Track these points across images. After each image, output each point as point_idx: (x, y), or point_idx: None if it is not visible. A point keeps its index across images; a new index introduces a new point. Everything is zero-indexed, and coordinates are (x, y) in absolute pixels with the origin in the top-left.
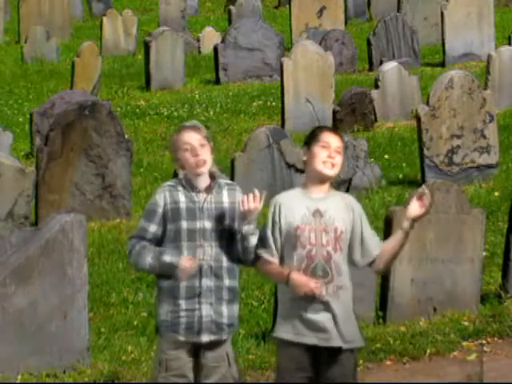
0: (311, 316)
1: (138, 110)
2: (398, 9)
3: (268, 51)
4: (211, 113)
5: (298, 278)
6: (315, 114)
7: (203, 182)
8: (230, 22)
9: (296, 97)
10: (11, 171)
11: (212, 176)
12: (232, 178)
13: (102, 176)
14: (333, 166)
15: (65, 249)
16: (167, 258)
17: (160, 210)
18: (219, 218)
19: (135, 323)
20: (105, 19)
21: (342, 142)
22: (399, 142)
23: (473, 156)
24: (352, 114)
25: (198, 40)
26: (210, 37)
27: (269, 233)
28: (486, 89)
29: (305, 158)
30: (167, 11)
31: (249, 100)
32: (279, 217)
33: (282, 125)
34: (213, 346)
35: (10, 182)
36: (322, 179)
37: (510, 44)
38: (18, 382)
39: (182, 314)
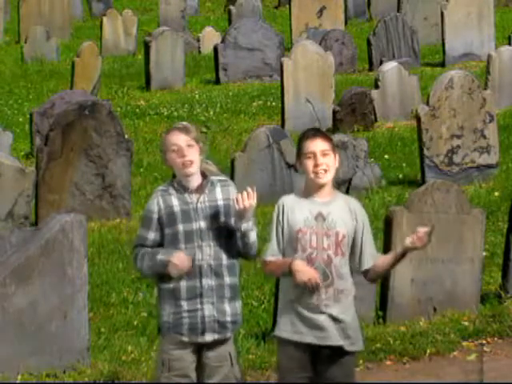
0: (310, 315)
1: (137, 110)
2: (398, 9)
3: (268, 51)
4: (211, 113)
5: (300, 264)
6: (315, 114)
7: (194, 182)
8: (230, 22)
9: (296, 97)
10: (11, 171)
11: (203, 175)
12: (232, 178)
13: (102, 176)
14: (325, 171)
15: (65, 249)
16: (160, 256)
17: (155, 217)
18: (214, 216)
19: (135, 323)
20: (105, 19)
21: (327, 141)
22: (399, 142)
23: (473, 156)
24: (352, 113)
25: (198, 40)
26: (210, 37)
27: (273, 234)
28: (486, 89)
29: (301, 169)
30: (167, 11)
31: (249, 100)
32: (282, 218)
33: (282, 125)
34: (215, 345)
35: (10, 182)
36: (319, 186)
37: (510, 44)
38: (18, 382)
39: (185, 314)
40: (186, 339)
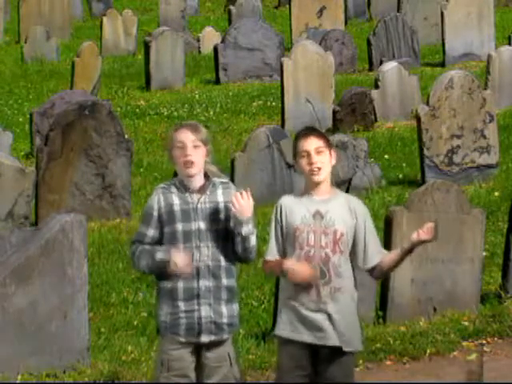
0: (308, 314)
1: (138, 110)
2: (398, 9)
3: (268, 51)
4: (211, 113)
5: (290, 263)
6: (315, 114)
7: (197, 182)
8: (230, 22)
9: (296, 97)
10: (11, 171)
11: (206, 176)
12: (232, 178)
13: (102, 176)
14: (319, 169)
15: (65, 249)
16: (159, 255)
17: (155, 214)
18: (214, 217)
19: (135, 323)
20: (105, 19)
21: (321, 138)
22: (399, 142)
23: (473, 156)
24: (352, 113)
25: (198, 40)
26: (210, 37)
27: (272, 234)
28: (486, 89)
29: (298, 169)
30: (167, 11)
31: (249, 100)
32: (281, 217)
33: (282, 125)
34: (214, 345)
35: (10, 182)
36: (315, 184)
37: (510, 44)
38: (18, 382)
39: (182, 315)
40: (182, 339)
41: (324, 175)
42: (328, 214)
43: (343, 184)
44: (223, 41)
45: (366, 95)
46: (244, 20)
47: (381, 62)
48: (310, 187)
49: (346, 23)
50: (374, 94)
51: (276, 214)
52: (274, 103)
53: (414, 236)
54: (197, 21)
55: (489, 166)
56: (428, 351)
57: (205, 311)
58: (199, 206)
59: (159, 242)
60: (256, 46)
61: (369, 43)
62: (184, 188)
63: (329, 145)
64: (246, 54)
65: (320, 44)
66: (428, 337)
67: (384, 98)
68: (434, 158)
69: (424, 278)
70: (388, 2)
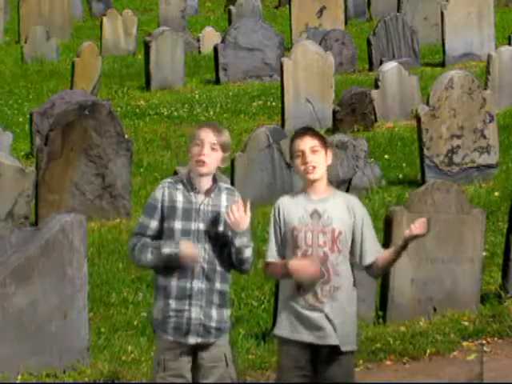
0: (307, 314)
1: (138, 110)
2: (398, 9)
3: (268, 51)
4: (211, 113)
5: (294, 264)
6: (315, 114)
7: (204, 183)
8: (230, 22)
9: (296, 97)
10: (11, 171)
11: (214, 179)
12: (232, 178)
13: (102, 176)
14: (313, 168)
15: (65, 249)
16: (166, 249)
17: (159, 205)
18: (214, 221)
19: (135, 323)
20: (105, 19)
21: (316, 138)
22: (399, 142)
23: (473, 156)
24: (352, 114)
25: (198, 40)
26: (210, 37)
27: (271, 235)
28: (486, 89)
29: (295, 169)
30: (167, 11)
31: (249, 100)
32: (279, 218)
33: (282, 125)
34: (210, 346)
35: (10, 182)
36: (311, 183)
37: (510, 44)
38: (18, 382)
39: (172, 313)
40: (170, 338)
41: (319, 174)
42: (326, 213)
43: (343, 184)
44: (223, 41)
45: (366, 95)
46: (244, 20)
47: (381, 62)
48: (307, 187)
49: (345, 23)
50: (374, 94)
51: (274, 214)
52: (273, 103)
53: (407, 232)
54: (197, 21)
55: (489, 166)
56: (428, 351)
57: (195, 312)
58: (202, 207)
59: (159, 236)
60: (256, 46)
61: (369, 43)
62: (190, 187)
63: (325, 144)
64: (246, 54)
65: (320, 44)
66: (428, 337)
67: (384, 98)
68: (434, 157)
69: (424, 277)
70: (388, 2)
